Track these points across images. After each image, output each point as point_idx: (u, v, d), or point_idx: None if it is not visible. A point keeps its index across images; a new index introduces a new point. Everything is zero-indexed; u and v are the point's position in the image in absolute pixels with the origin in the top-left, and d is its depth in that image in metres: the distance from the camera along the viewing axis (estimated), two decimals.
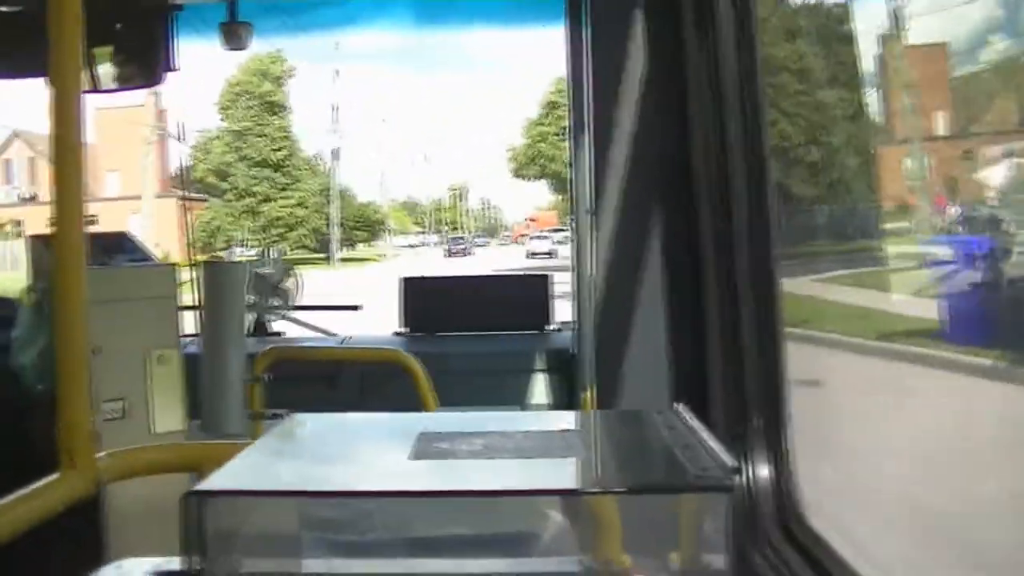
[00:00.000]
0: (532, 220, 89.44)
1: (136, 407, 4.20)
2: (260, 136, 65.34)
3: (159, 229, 51.47)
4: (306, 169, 68.40)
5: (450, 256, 70.84)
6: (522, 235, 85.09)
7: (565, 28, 5.34)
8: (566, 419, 2.55)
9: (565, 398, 5.94)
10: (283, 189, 65.54)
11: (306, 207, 66.44)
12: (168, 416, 4.32)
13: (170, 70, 4.77)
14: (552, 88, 62.80)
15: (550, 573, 1.74)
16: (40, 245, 4.21)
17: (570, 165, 5.60)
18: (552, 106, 64.71)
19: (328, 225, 67.11)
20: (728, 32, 2.68)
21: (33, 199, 54.87)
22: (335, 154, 70.01)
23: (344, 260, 63.78)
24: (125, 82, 4.65)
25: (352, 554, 1.65)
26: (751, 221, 2.66)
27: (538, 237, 71.47)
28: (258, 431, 4.62)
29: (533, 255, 64.62)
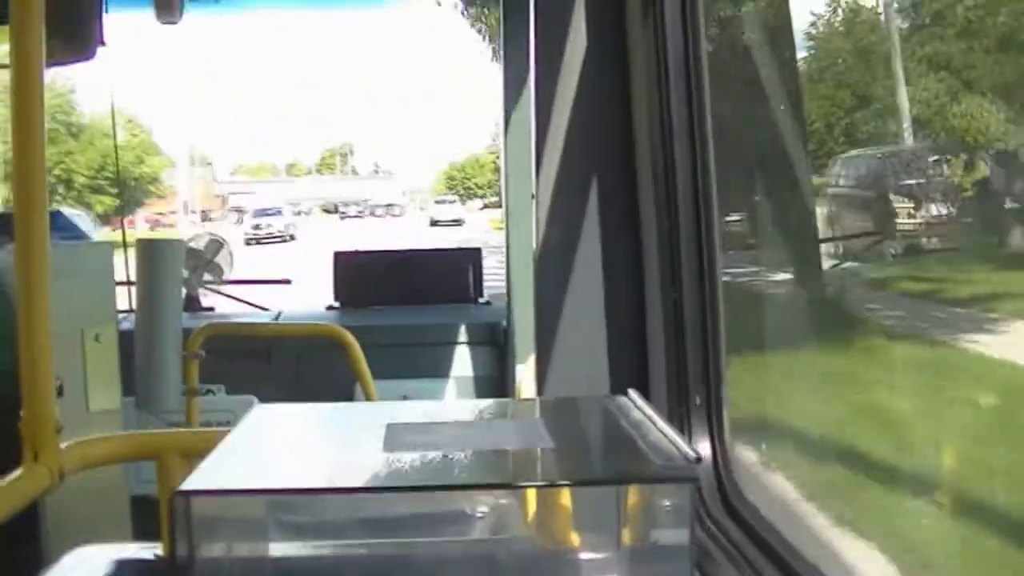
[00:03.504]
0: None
1: (72, 385, 4.19)
2: None
3: None
4: None
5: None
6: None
7: (500, 5, 5.40)
8: (528, 407, 2.60)
9: (497, 370, 6.02)
10: None
11: None
12: (103, 394, 4.32)
13: (101, 44, 4.70)
14: None
15: (512, 553, 1.82)
16: None
17: (504, 141, 5.68)
18: None
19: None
20: (673, 10, 2.73)
21: None
22: None
23: None
24: (54, 56, 4.57)
25: (319, 537, 1.72)
26: (695, 203, 2.73)
27: (441, 202, 63.16)
28: (193, 408, 4.65)
29: (436, 223, 56.09)
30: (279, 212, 54.83)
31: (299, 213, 67.53)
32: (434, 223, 56.57)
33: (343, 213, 69.02)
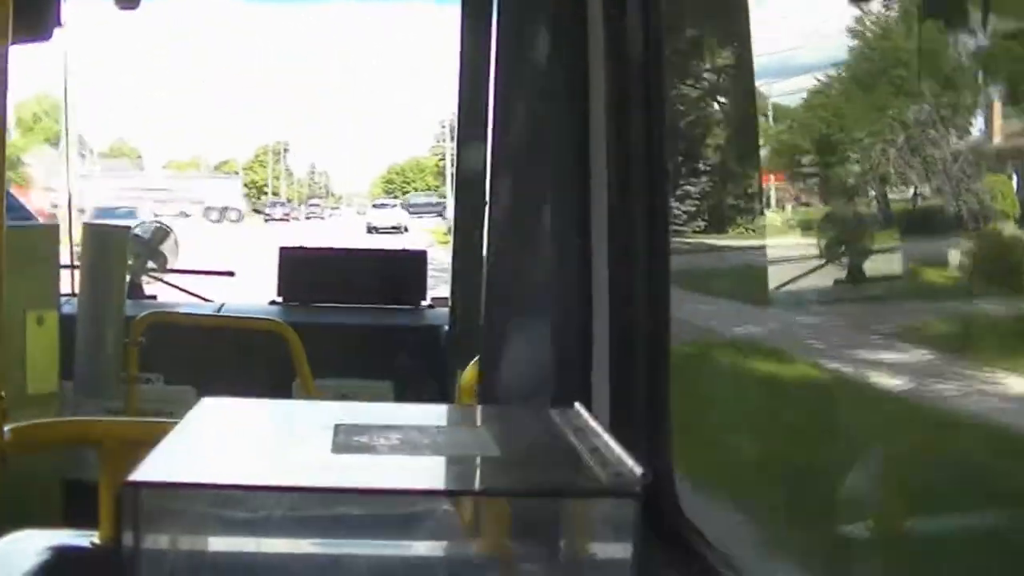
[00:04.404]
0: None
1: (11, 367, 4.17)
2: None
3: None
4: None
5: None
6: None
7: (461, 6, 5.40)
8: (472, 415, 2.61)
9: (438, 373, 6.02)
10: None
11: None
12: (42, 377, 4.29)
13: (57, 25, 4.66)
14: None
15: (451, 561, 1.83)
16: None
17: (456, 142, 5.69)
18: None
19: None
20: (635, 18, 2.74)
21: None
22: None
23: None
24: (12, 36, 4.53)
25: (263, 534, 1.73)
26: (648, 217, 2.75)
27: (381, 206, 57.89)
28: (133, 395, 4.63)
29: (374, 230, 50.00)
30: (132, 213, 37.63)
31: (185, 214, 56.62)
32: (371, 230, 50.83)
33: (267, 215, 60.19)
